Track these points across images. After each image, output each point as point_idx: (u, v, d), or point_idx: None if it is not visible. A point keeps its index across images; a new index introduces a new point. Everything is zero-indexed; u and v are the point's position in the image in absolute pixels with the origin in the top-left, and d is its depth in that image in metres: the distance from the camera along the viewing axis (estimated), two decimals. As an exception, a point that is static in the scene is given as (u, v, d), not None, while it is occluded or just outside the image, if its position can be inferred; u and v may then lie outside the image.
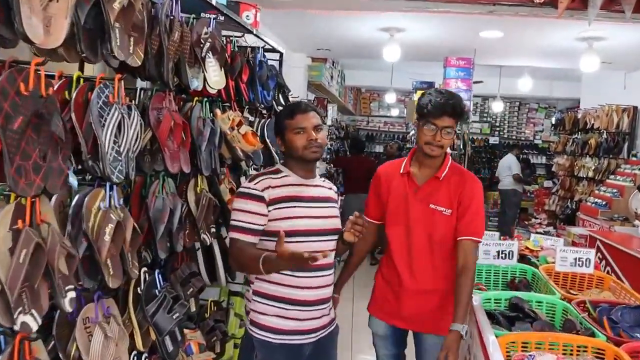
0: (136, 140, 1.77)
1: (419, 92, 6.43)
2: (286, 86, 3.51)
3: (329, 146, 7.42)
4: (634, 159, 6.66)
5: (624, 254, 4.52)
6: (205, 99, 2.45)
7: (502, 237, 3.68)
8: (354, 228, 2.08)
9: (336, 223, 2.21)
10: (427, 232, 2.32)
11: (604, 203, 6.33)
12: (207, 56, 2.28)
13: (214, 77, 2.33)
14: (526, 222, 8.24)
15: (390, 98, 10.65)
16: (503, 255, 3.15)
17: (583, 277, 3.05)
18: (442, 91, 2.32)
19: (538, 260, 3.46)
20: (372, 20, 5.32)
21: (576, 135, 8.11)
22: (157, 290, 2.02)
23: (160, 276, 2.09)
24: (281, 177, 2.14)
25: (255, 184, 2.08)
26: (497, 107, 11.07)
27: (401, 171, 2.41)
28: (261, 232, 2.05)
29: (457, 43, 6.02)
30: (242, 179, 3.09)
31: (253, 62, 2.97)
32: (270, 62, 3.33)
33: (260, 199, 2.04)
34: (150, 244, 2.04)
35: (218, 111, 2.67)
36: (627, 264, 4.40)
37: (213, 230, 2.53)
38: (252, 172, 3.20)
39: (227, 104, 2.77)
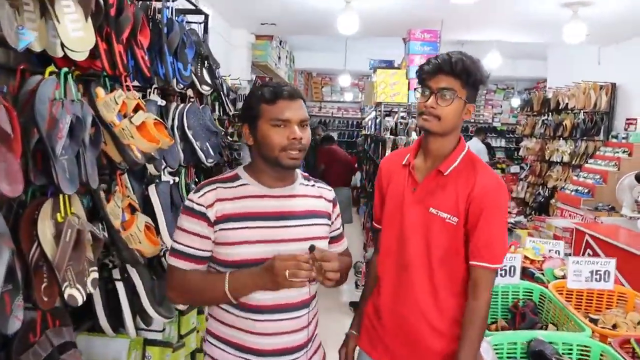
0: None
1: (379, 72, 5.60)
2: (212, 58, 2.60)
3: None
4: (614, 140, 6.07)
5: (622, 251, 3.85)
6: (67, 70, 1.52)
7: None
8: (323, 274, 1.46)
9: (303, 248, 1.52)
10: (425, 243, 1.72)
11: (586, 191, 5.72)
12: (57, -4, 1.35)
13: (73, 31, 1.40)
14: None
15: (344, 81, 9.86)
16: (502, 272, 2.51)
17: (601, 294, 2.49)
18: (450, 52, 1.68)
19: (543, 275, 2.75)
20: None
21: (547, 117, 7.49)
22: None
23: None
24: (237, 185, 1.58)
25: (199, 197, 1.54)
26: (457, 88, 10.40)
27: (403, 162, 1.82)
28: (208, 258, 1.57)
29: (423, 12, 5.29)
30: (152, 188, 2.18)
31: (157, 21, 2.05)
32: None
33: (201, 216, 1.52)
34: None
35: (100, 90, 1.75)
36: (626, 263, 3.73)
37: (94, 276, 1.63)
38: (167, 178, 2.29)
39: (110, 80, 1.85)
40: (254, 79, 5.23)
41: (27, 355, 1.47)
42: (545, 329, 2.21)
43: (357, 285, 5.57)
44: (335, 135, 13.51)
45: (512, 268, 2.49)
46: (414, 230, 1.73)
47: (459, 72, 1.62)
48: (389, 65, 6.45)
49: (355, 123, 13.66)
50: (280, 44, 7.95)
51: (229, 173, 1.63)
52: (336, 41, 8.27)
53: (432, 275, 1.71)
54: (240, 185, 1.56)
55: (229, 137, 4.13)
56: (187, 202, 1.55)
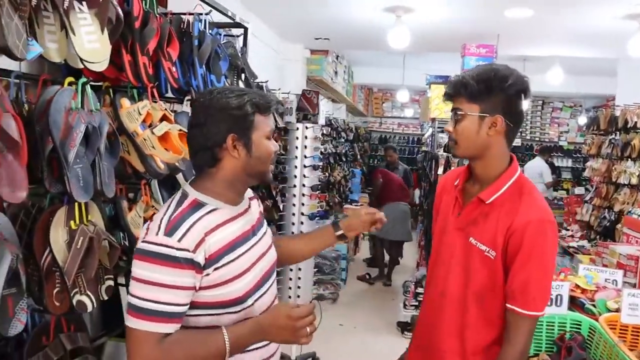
0: None
1: (434, 87, 5.49)
2: (249, 71, 2.61)
3: (325, 150, 6.56)
4: (689, 163, 5.63)
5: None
6: (85, 81, 1.55)
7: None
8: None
9: (274, 254, 1.55)
10: (464, 275, 1.61)
11: (655, 216, 5.31)
12: (74, 7, 1.39)
13: (89, 43, 1.43)
14: (556, 235, 7.22)
15: (402, 96, 9.73)
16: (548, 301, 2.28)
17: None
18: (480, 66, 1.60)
19: (595, 306, 2.55)
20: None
21: (614, 136, 7.07)
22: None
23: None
24: (207, 212, 1.34)
25: (180, 239, 1.24)
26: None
27: (455, 182, 1.72)
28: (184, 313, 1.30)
29: (477, 26, 5.14)
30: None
31: (189, 33, 2.07)
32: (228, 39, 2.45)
33: (187, 264, 1.25)
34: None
35: (125, 101, 1.78)
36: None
37: (109, 284, 1.65)
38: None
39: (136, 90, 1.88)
40: (301, 93, 5.24)
41: (38, 357, 1.50)
42: (592, 366, 2.05)
43: (405, 305, 5.42)
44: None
45: (559, 297, 2.33)
46: (454, 257, 1.64)
47: (459, 89, 1.53)
48: (445, 80, 6.31)
49: (415, 139, 13.48)
50: (337, 58, 7.96)
51: (184, 202, 1.34)
52: (394, 56, 8.19)
53: (467, 309, 1.61)
54: (211, 211, 1.34)
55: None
56: (159, 249, 1.23)
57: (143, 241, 1.26)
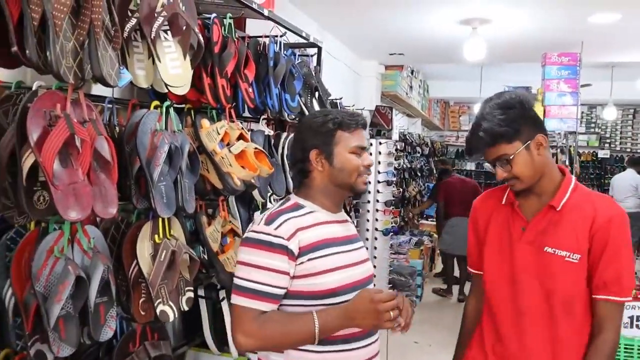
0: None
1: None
2: (323, 89, 2.67)
3: (399, 165, 6.49)
4: None
5: None
6: (169, 104, 1.66)
7: (636, 293, 2.60)
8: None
9: (370, 268, 1.63)
10: (543, 288, 1.61)
11: None
12: (160, 37, 1.50)
13: (173, 69, 1.53)
14: (655, 253, 6.74)
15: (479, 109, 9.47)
16: (625, 322, 2.17)
17: None
18: (487, 106, 1.62)
19: (693, 331, 2.37)
20: (449, 11, 4.40)
21: None
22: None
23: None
24: (305, 214, 1.51)
25: (276, 228, 1.43)
26: (609, 114, 9.54)
27: (503, 202, 1.74)
28: (282, 297, 1.45)
29: (558, 35, 4.94)
30: (257, 214, 2.28)
31: (265, 54, 2.16)
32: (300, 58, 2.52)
33: (284, 250, 1.42)
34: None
35: (205, 121, 1.89)
36: None
37: (190, 295, 1.73)
38: (272, 204, 2.38)
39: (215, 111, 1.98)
40: (374, 108, 5.26)
41: (125, 366, 1.60)
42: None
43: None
44: (473, 165, 13.11)
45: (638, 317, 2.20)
46: (527, 273, 1.63)
47: (496, 140, 1.56)
48: (526, 90, 6.12)
49: (493, 152, 13.08)
50: (412, 73, 7.92)
51: (285, 203, 1.53)
52: (471, 69, 8.04)
53: (554, 323, 1.61)
54: (308, 213, 1.50)
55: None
56: (258, 236, 1.42)
57: (248, 232, 1.46)
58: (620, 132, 12.01)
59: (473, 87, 9.37)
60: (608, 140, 12.05)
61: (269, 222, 1.43)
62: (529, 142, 1.57)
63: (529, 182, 1.61)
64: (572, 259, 1.58)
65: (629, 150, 11.82)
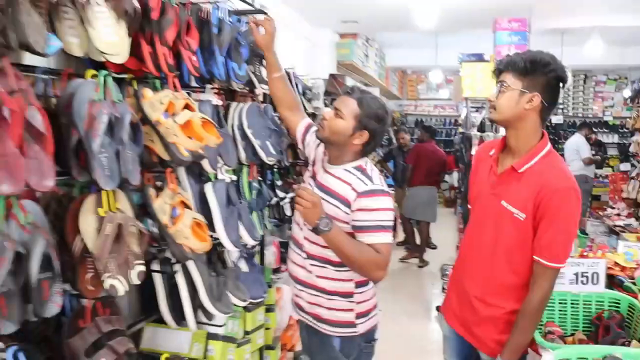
0: None
1: (465, 65, 5.39)
2: (272, 58, 2.62)
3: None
4: None
5: None
6: (106, 73, 1.61)
7: (581, 251, 2.69)
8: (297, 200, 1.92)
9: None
10: (494, 234, 1.91)
11: None
12: (90, 2, 1.43)
13: (107, 36, 1.48)
14: (600, 213, 6.97)
15: (435, 77, 9.59)
16: (584, 279, 2.30)
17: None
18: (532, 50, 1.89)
19: (635, 284, 2.48)
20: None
21: (660, 108, 6.78)
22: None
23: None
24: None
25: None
26: (561, 80, 9.72)
27: (490, 152, 2.01)
28: None
29: (508, 1, 4.95)
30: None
31: (208, 21, 2.11)
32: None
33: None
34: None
35: (147, 91, 1.83)
36: None
37: (140, 269, 1.71)
38: (223, 176, 2.35)
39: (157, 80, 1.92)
40: (328, 77, 5.23)
41: (75, 339, 1.57)
42: (628, 345, 2.00)
43: (443, 289, 5.39)
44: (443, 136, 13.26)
45: (595, 275, 2.29)
46: (487, 218, 1.92)
47: (508, 65, 1.81)
48: (479, 58, 6.18)
49: (452, 121, 13.25)
50: (367, 41, 7.88)
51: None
52: (426, 36, 8.06)
53: (493, 260, 1.90)
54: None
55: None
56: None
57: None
58: (573, 98, 12.30)
59: (429, 55, 9.42)
60: (561, 107, 12.31)
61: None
62: (526, 91, 1.78)
63: (499, 116, 1.85)
64: (519, 216, 1.82)
65: (580, 115, 12.14)
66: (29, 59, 1.54)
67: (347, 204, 1.95)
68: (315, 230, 1.90)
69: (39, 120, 1.30)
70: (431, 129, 7.65)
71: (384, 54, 9.47)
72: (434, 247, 7.56)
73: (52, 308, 1.39)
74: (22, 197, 1.38)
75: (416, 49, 9.75)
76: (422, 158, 6.94)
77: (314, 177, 2.14)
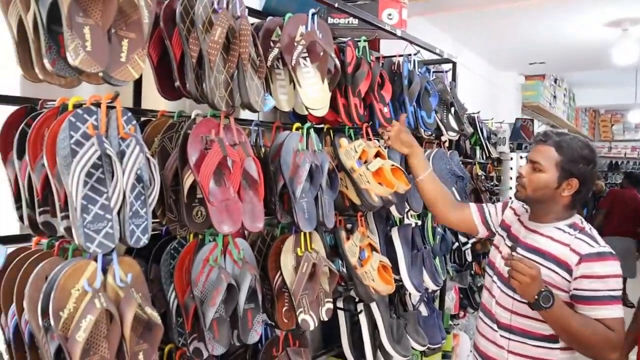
0: (147, 188, 1.18)
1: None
2: (459, 104, 2.64)
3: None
4: None
5: None
6: (310, 125, 1.77)
7: None
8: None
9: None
10: None
11: None
12: (300, 64, 1.61)
13: (312, 92, 1.64)
14: None
15: (635, 117, 8.65)
16: None
17: None
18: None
19: None
20: (595, 13, 4.12)
21: None
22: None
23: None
24: None
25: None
26: None
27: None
28: None
29: None
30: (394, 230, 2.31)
31: (399, 73, 2.21)
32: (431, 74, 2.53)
33: None
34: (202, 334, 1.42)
35: (343, 140, 1.98)
36: None
37: (329, 306, 1.82)
38: (409, 220, 2.40)
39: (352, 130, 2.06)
40: (515, 121, 5.04)
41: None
42: None
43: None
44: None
45: None
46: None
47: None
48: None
49: (654, 164, 11.84)
50: (556, 82, 7.47)
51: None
52: (623, 73, 7.37)
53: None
54: None
55: (488, 181, 4.06)
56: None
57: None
58: None
59: (627, 93, 8.59)
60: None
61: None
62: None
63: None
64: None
65: None
66: (244, 113, 1.78)
67: (567, 268, 1.67)
68: (534, 305, 1.61)
69: (254, 169, 1.48)
70: (633, 176, 6.98)
71: (574, 94, 8.87)
72: (631, 306, 6.72)
73: (254, 336, 1.54)
74: (234, 235, 1.57)
75: (612, 87, 8.95)
76: (618, 204, 6.37)
77: (513, 239, 1.86)
